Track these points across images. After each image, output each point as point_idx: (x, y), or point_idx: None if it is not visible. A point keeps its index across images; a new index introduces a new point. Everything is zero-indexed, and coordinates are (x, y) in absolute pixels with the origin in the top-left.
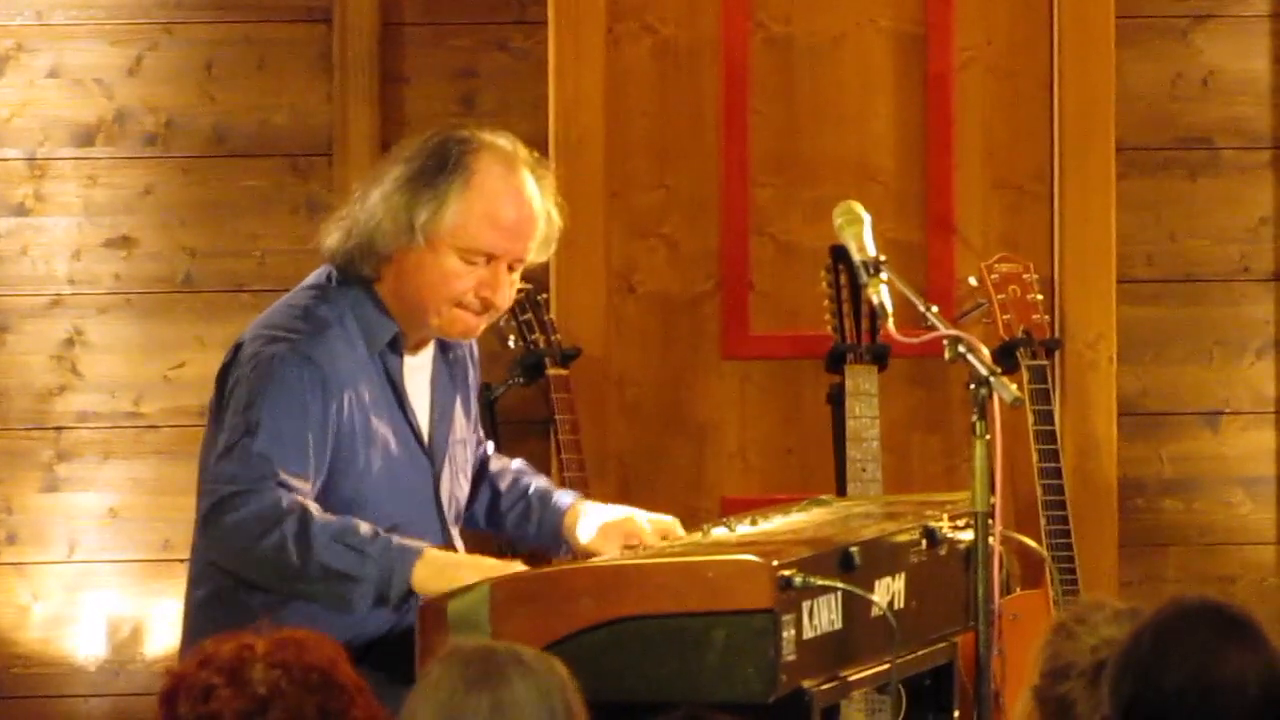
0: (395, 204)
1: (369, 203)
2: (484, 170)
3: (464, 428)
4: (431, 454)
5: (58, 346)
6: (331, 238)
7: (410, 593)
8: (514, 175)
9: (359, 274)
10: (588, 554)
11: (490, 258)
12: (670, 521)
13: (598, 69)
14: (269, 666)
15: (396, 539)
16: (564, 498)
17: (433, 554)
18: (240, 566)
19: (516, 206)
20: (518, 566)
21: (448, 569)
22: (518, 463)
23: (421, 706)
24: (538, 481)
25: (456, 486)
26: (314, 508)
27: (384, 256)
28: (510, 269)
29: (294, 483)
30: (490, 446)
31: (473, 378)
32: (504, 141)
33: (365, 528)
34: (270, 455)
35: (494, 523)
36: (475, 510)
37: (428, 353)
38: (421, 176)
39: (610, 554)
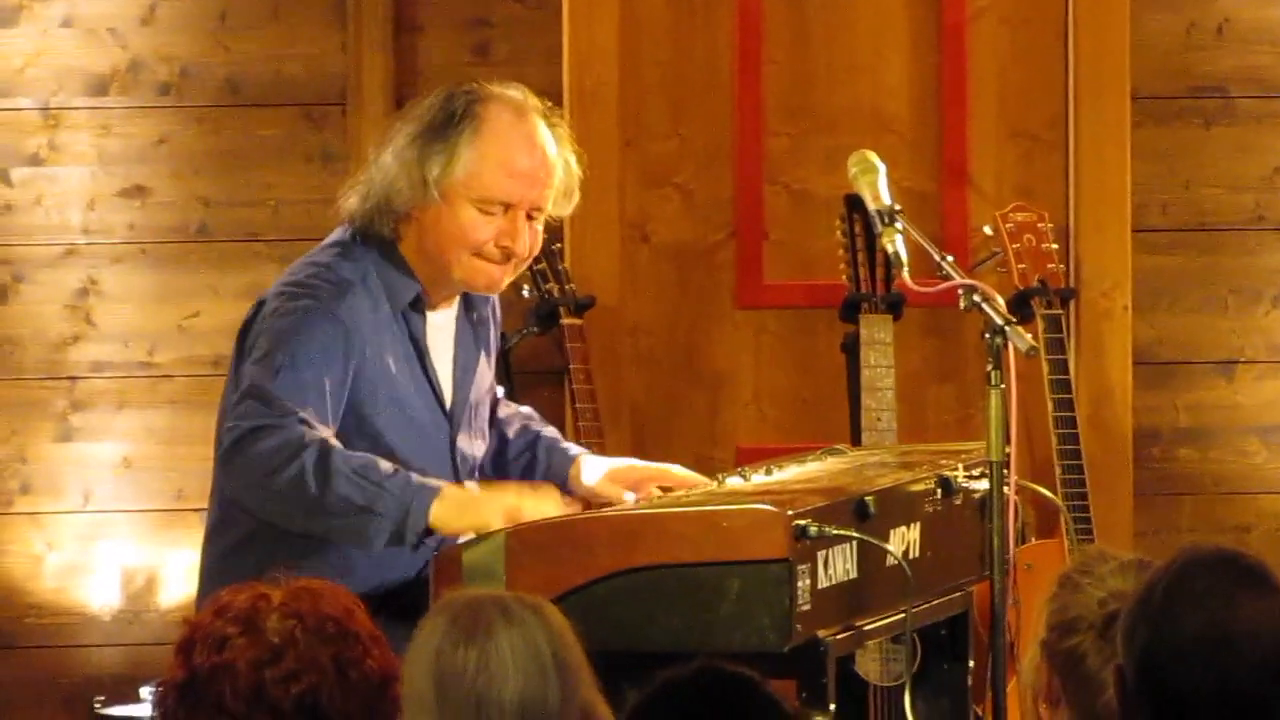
0: (407, 160)
1: (383, 163)
2: (493, 118)
3: (484, 388)
4: (451, 414)
5: (72, 296)
6: (350, 201)
7: (428, 531)
8: (524, 122)
9: (379, 234)
10: (594, 499)
11: (507, 206)
12: (678, 471)
13: (612, 18)
14: (284, 616)
15: (416, 477)
16: (572, 448)
17: (451, 491)
18: (259, 500)
19: (528, 152)
20: (541, 495)
21: (467, 506)
22: (526, 409)
23: (414, 663)
24: (545, 430)
25: (473, 446)
26: (335, 442)
27: (402, 215)
28: (530, 218)
29: (314, 423)
30: (501, 392)
31: (494, 338)
32: (513, 91)
33: (385, 464)
34: (292, 396)
35: (499, 469)
36: (483, 458)
37: (450, 312)
38: (431, 131)
39: (623, 502)
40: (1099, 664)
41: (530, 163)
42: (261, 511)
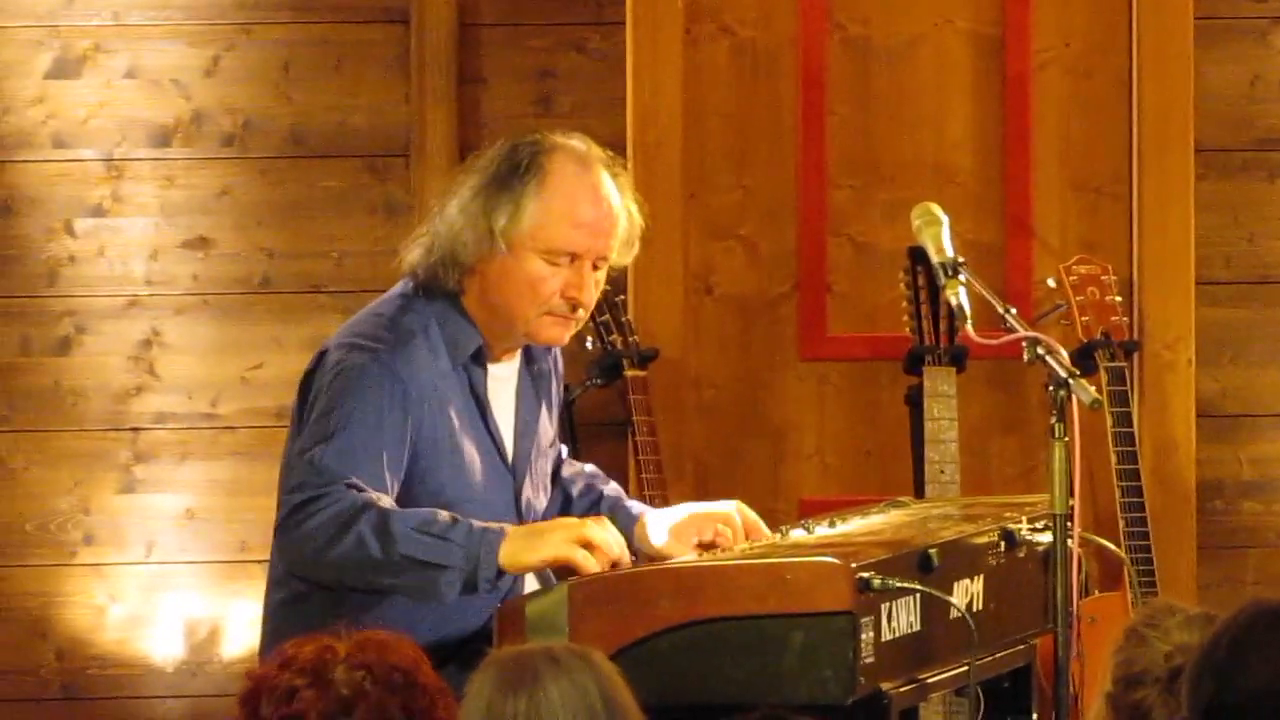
0: (473, 212)
1: (447, 215)
2: (558, 169)
3: (547, 441)
4: (514, 468)
5: (135, 347)
6: (413, 254)
7: (499, 573)
8: (589, 173)
9: (443, 287)
10: (661, 558)
11: (573, 257)
12: (729, 509)
13: (675, 70)
14: (352, 668)
15: (477, 523)
16: (635, 506)
17: (515, 530)
18: (320, 571)
19: (594, 203)
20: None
21: (534, 539)
22: (590, 468)
23: (465, 717)
24: (609, 488)
25: (536, 500)
26: (387, 501)
27: (467, 267)
28: (595, 268)
29: (365, 488)
30: (565, 450)
31: (556, 391)
32: (576, 141)
33: (444, 515)
34: (341, 464)
35: None
36: (547, 515)
37: (512, 365)
38: (496, 182)
39: (686, 555)
40: (1164, 717)
41: (595, 213)
42: (324, 581)
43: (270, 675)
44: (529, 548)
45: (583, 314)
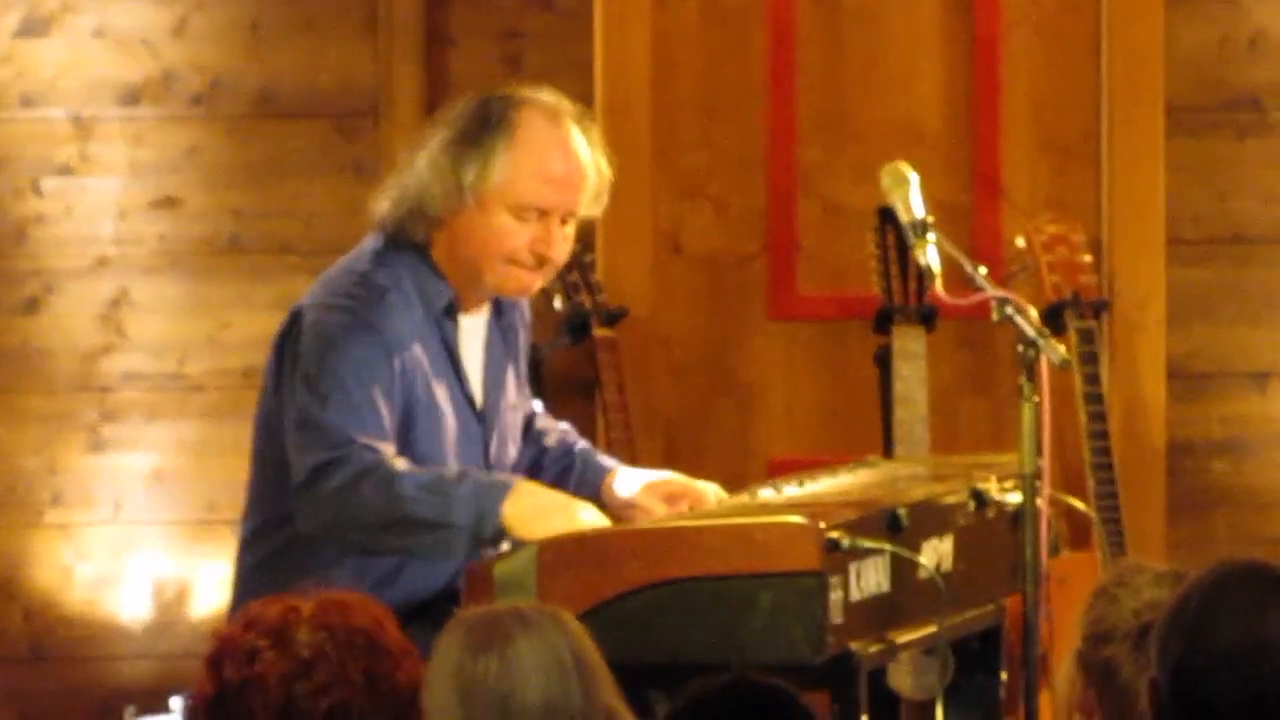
0: (442, 166)
1: (416, 168)
2: (527, 124)
3: (515, 393)
4: (484, 419)
5: (103, 307)
6: (382, 206)
7: (502, 532)
8: (558, 127)
9: (412, 240)
10: (628, 510)
11: (542, 212)
12: (711, 488)
13: (644, 29)
14: (314, 629)
15: (483, 476)
16: (606, 462)
17: (521, 491)
18: (341, 533)
19: (564, 158)
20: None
21: (538, 515)
22: (564, 425)
23: (435, 678)
24: (582, 444)
25: (504, 452)
26: (399, 463)
27: (435, 220)
28: (563, 222)
29: (375, 444)
30: (539, 405)
31: (523, 341)
32: (546, 96)
33: (451, 471)
34: (345, 423)
35: (535, 478)
36: (518, 468)
37: (481, 317)
38: (466, 136)
39: (656, 515)
40: (1133, 675)
41: (565, 168)
42: (346, 544)
43: (234, 636)
44: (533, 523)
45: (550, 267)
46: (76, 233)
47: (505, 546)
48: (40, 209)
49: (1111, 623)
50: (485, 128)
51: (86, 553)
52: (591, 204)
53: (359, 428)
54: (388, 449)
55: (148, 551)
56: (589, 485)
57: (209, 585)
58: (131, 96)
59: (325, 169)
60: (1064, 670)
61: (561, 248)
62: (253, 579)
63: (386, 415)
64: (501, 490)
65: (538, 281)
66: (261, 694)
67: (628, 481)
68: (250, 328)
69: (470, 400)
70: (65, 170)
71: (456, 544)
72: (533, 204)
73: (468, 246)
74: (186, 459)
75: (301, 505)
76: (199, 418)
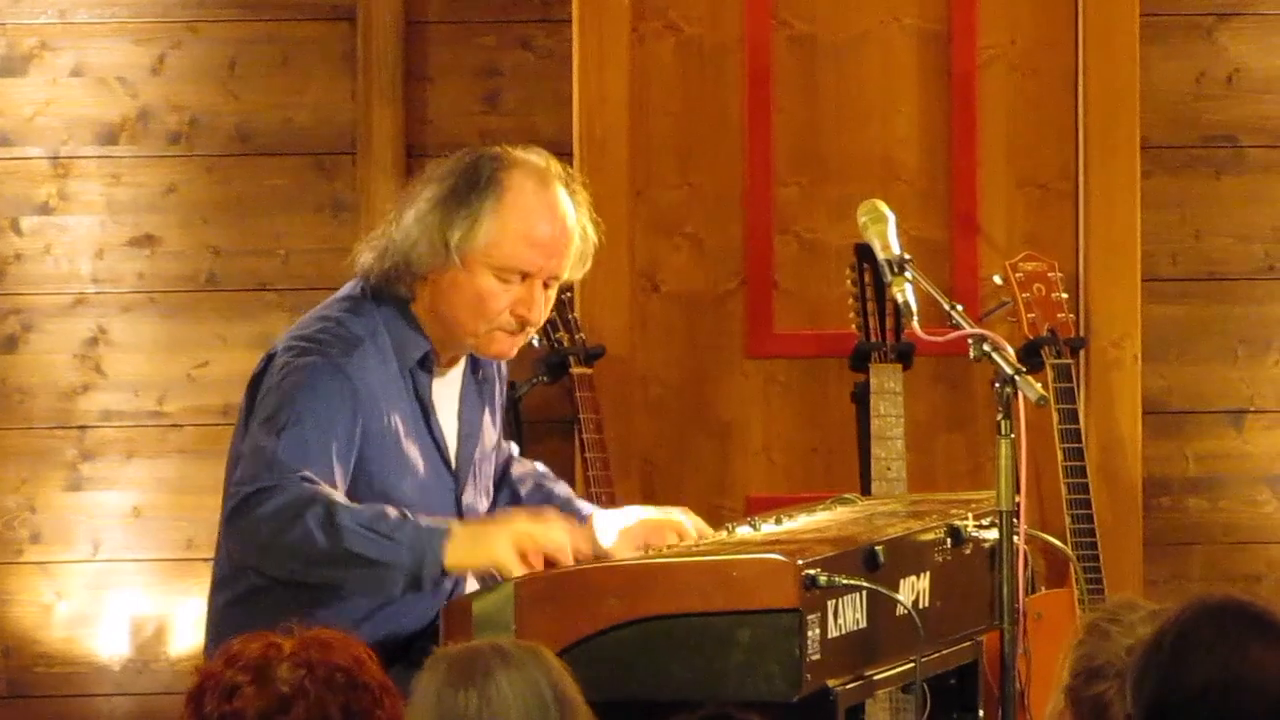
0: (429, 224)
1: (404, 223)
2: (517, 187)
3: (490, 445)
4: (456, 472)
5: (81, 345)
6: (365, 257)
7: (444, 573)
8: (547, 191)
9: (394, 293)
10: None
11: (525, 275)
12: (677, 517)
13: (622, 67)
14: (294, 666)
15: (425, 520)
16: (584, 507)
17: (459, 529)
18: (268, 561)
19: (550, 223)
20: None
21: (478, 541)
22: (540, 468)
23: (416, 714)
24: (558, 488)
25: (478, 503)
26: (338, 496)
27: (419, 276)
28: (545, 286)
29: (317, 481)
30: (514, 449)
31: (500, 395)
32: (536, 158)
33: (392, 512)
34: (292, 456)
35: None
36: (495, 513)
37: (457, 371)
38: (455, 195)
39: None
40: (1124, 711)
41: (550, 232)
42: (273, 572)
43: (216, 672)
44: (471, 550)
45: (531, 330)
46: (55, 271)
47: (446, 585)
48: (19, 247)
49: (1104, 659)
50: (474, 188)
51: (65, 590)
52: (576, 267)
53: (304, 464)
54: (330, 490)
55: (126, 589)
56: None
57: (187, 623)
58: (109, 135)
59: (303, 207)
60: (1051, 704)
61: (542, 311)
62: (225, 618)
63: (336, 463)
64: (442, 534)
65: (518, 344)
66: None
67: (605, 531)
68: (229, 365)
69: (443, 452)
70: (44, 209)
71: (392, 583)
72: (516, 266)
73: (450, 305)
74: (165, 497)
75: (236, 526)
76: (177, 455)
